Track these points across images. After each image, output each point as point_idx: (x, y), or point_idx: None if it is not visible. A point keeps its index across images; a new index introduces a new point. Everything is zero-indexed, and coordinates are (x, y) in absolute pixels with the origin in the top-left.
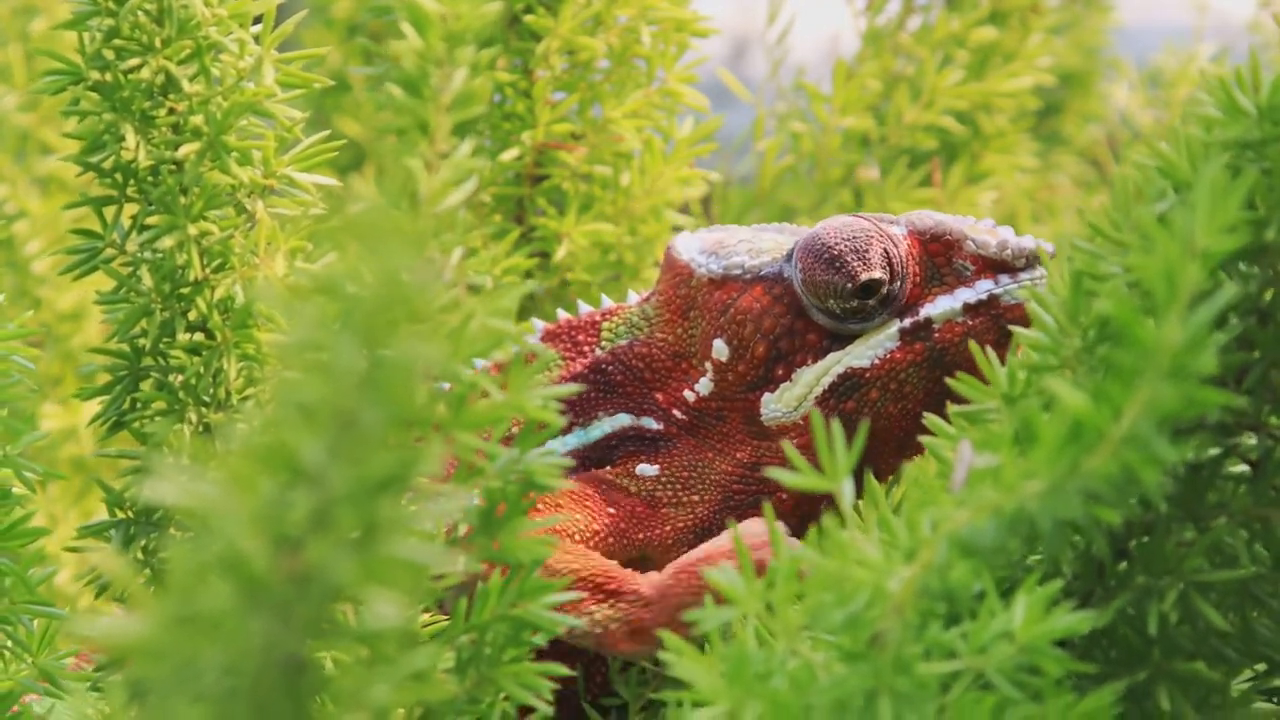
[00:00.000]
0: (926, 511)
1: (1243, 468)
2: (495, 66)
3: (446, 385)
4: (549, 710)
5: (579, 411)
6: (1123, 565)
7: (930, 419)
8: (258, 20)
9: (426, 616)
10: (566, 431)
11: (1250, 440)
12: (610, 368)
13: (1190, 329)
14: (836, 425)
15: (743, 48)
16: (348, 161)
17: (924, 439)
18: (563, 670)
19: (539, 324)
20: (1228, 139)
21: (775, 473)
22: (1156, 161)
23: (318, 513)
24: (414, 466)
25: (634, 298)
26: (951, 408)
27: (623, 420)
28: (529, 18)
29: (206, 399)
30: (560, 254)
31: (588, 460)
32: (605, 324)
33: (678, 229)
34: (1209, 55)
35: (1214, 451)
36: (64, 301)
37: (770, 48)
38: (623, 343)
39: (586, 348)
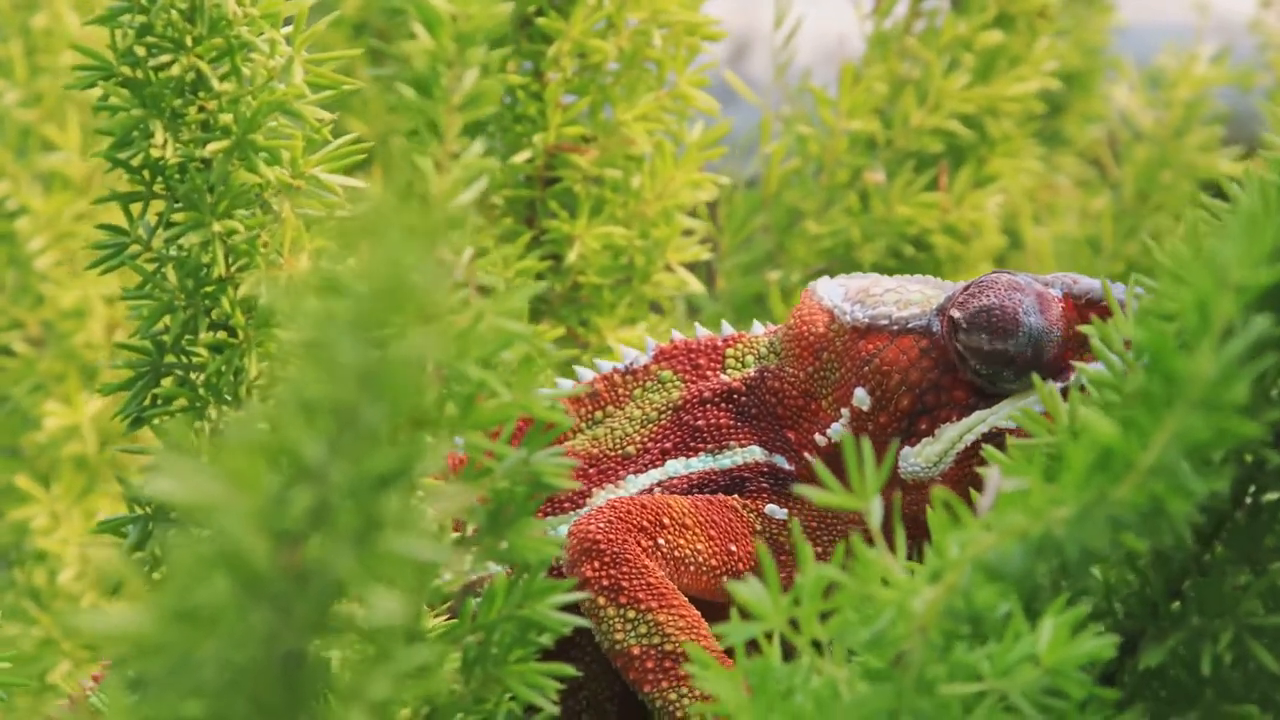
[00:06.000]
0: (954, 534)
1: None
2: (506, 69)
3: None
4: (555, 710)
5: (709, 437)
6: (1176, 605)
7: (987, 449)
8: (289, 21)
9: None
10: (692, 454)
11: None
12: (743, 397)
13: (1222, 360)
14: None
15: (743, 48)
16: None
17: (976, 467)
18: (569, 670)
19: (651, 342)
20: None
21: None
22: (1229, 205)
23: (318, 508)
24: (416, 463)
25: (759, 329)
26: (1010, 439)
27: (755, 453)
28: (540, 20)
29: (228, 397)
30: (572, 257)
31: (714, 485)
32: (729, 350)
33: (688, 233)
34: (1210, 55)
35: (1275, 496)
36: (66, 299)
37: (776, 50)
38: (751, 371)
39: (709, 371)
